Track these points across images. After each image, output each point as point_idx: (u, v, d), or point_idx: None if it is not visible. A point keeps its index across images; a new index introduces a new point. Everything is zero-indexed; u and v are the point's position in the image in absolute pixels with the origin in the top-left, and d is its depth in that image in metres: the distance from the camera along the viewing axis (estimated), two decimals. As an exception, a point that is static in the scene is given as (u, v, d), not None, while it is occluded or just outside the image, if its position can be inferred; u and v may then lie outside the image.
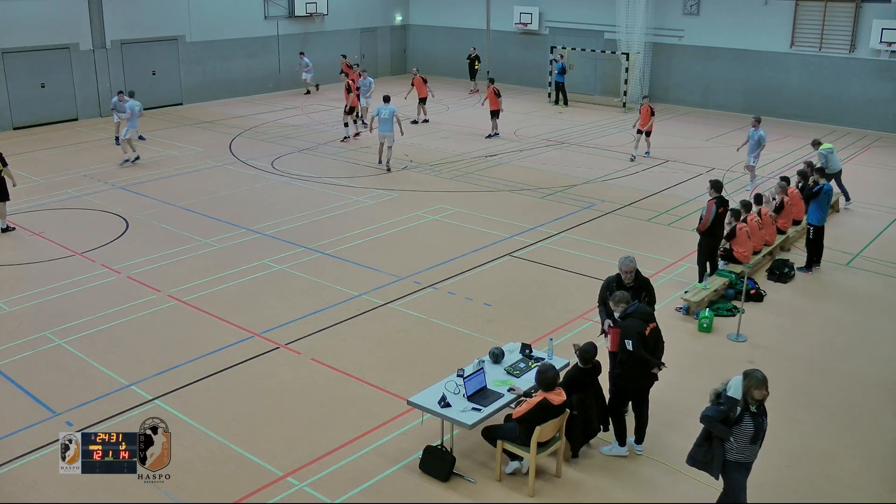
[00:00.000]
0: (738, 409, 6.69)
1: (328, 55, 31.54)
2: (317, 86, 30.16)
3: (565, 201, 17.15)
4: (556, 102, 28.45)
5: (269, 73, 29.54)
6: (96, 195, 17.26)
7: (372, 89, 24.47)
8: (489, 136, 22.96)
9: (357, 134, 22.65)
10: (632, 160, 20.31)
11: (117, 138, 21.45)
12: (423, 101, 24.97)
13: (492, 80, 23.17)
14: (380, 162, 19.35)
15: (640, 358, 8.05)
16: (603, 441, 8.59)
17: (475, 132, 23.79)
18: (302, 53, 29.62)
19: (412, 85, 24.98)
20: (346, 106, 22.39)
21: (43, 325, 11.18)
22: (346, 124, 22.46)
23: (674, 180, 18.82)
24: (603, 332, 8.86)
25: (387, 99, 19.58)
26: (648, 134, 20.46)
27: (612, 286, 8.81)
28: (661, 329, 8.36)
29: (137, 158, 19.92)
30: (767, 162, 20.54)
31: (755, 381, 6.62)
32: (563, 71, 28.07)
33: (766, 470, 8.27)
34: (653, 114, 20.33)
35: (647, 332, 8.02)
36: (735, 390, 6.73)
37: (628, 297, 8.25)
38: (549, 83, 29.24)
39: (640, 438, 8.49)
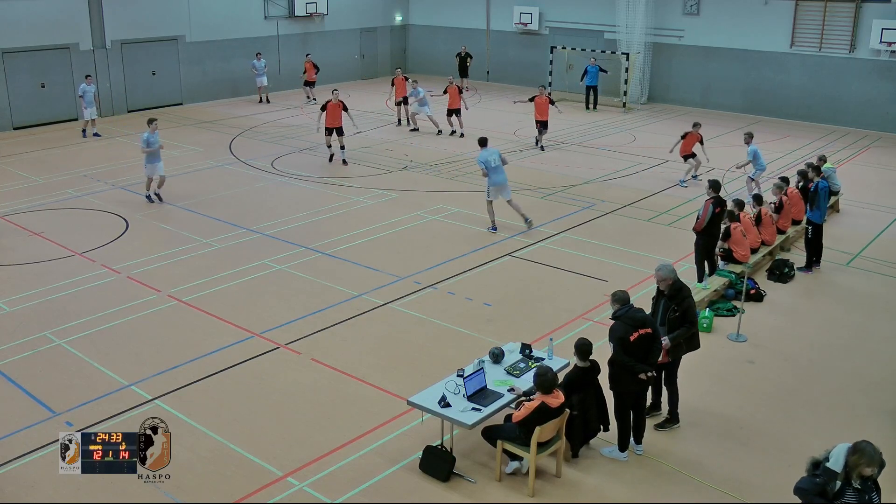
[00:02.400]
0: (838, 483, 5.94)
1: (328, 55, 31.54)
2: (266, 97, 28.06)
3: (565, 201, 17.15)
4: (595, 107, 27.54)
5: (270, 74, 29.50)
6: (96, 195, 17.26)
7: (420, 97, 22.84)
8: (541, 146, 21.72)
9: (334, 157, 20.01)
10: (683, 184, 18.42)
11: (84, 130, 22.49)
12: (457, 112, 23.17)
13: (543, 87, 21.87)
14: (493, 227, 15.08)
15: (619, 362, 8.04)
16: (603, 441, 8.59)
17: (475, 132, 23.74)
18: (259, 54, 27.58)
19: (445, 93, 23.36)
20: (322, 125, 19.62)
21: (43, 325, 11.18)
22: (329, 145, 19.86)
23: (674, 180, 18.81)
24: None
25: (484, 142, 15.22)
26: (693, 156, 18.17)
27: (658, 290, 8.80)
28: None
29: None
30: (767, 162, 20.51)
31: (867, 457, 5.81)
32: (601, 71, 27.17)
33: (767, 470, 8.29)
34: (702, 142, 18.13)
35: (631, 338, 7.95)
36: (836, 461, 6.00)
37: (625, 298, 8.20)
38: (550, 83, 29.16)
39: (638, 439, 8.49)
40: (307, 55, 28.79)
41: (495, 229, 15.13)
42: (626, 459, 8.35)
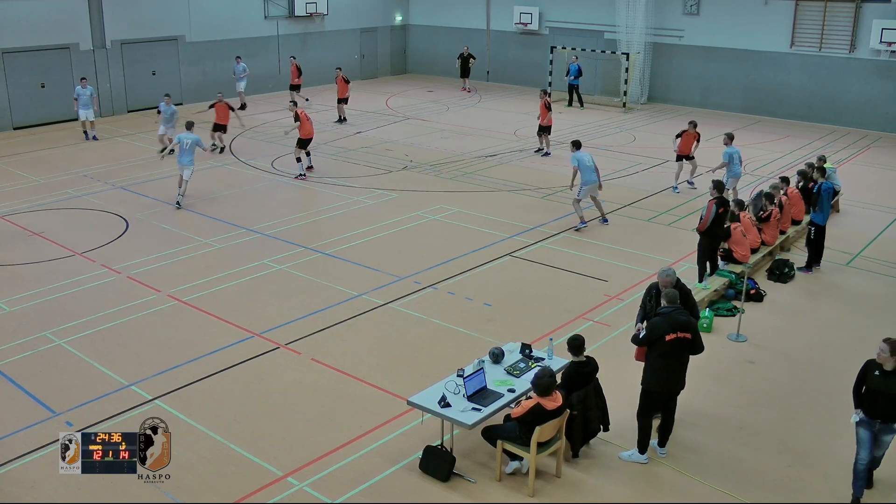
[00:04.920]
0: None
1: (328, 55, 31.54)
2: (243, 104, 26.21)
3: (565, 201, 17.12)
4: (570, 104, 27.97)
5: (270, 73, 29.52)
6: (96, 195, 17.26)
7: (175, 118, 20.33)
8: (545, 153, 21.03)
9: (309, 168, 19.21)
10: (675, 191, 18.07)
11: (86, 133, 22.42)
12: (223, 128, 21.20)
13: (545, 92, 21.22)
14: (583, 222, 15.41)
15: (636, 342, 8.14)
16: (602, 441, 8.59)
17: (475, 132, 23.79)
18: (238, 58, 26.53)
19: (211, 107, 21.24)
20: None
21: (43, 325, 11.18)
22: (298, 159, 18.91)
23: (673, 181, 18.79)
24: (635, 335, 8.63)
25: (579, 144, 15.60)
26: (690, 159, 18.00)
27: (651, 292, 8.89)
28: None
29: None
30: (767, 162, 20.55)
31: None
32: (579, 73, 27.60)
33: (766, 470, 8.29)
34: (698, 140, 17.95)
35: (667, 338, 7.89)
36: None
37: (675, 298, 8.18)
38: (549, 83, 29.21)
39: (663, 442, 8.44)
40: (292, 57, 27.96)
41: (585, 224, 15.47)
42: (645, 461, 8.28)
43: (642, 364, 8.28)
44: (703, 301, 11.83)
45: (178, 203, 16.40)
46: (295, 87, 27.24)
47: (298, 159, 18.90)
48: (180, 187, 16.39)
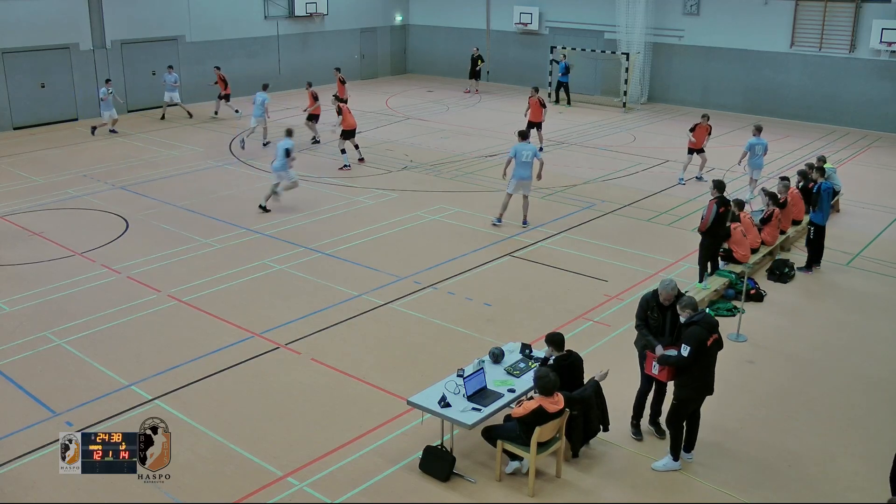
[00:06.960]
0: None
1: (328, 55, 31.55)
2: (189, 113, 25.56)
3: (565, 201, 17.15)
4: (558, 101, 28.30)
5: (269, 73, 29.49)
6: (96, 195, 17.26)
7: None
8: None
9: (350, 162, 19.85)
10: (681, 182, 18.53)
11: (94, 128, 22.70)
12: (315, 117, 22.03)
13: (536, 90, 21.56)
14: (499, 219, 15.39)
15: (684, 362, 7.82)
16: (602, 441, 8.59)
17: (475, 132, 23.79)
18: (170, 67, 25.00)
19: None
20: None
21: (43, 325, 11.17)
22: (342, 150, 19.69)
23: (674, 180, 18.80)
24: (644, 355, 8.51)
25: (524, 135, 15.38)
26: (701, 152, 18.48)
27: (650, 304, 8.56)
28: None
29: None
30: (767, 162, 20.51)
31: None
32: (566, 71, 27.95)
33: (766, 469, 8.29)
34: (709, 133, 18.56)
35: (708, 343, 7.83)
36: None
37: (696, 304, 8.07)
38: (550, 83, 29.24)
39: (690, 447, 8.36)
40: (216, 67, 25.60)
41: (500, 222, 15.31)
42: (679, 468, 8.22)
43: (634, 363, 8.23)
44: (704, 301, 11.83)
45: (242, 143, 20.85)
46: (226, 97, 25.43)
47: (343, 150, 19.65)
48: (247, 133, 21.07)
